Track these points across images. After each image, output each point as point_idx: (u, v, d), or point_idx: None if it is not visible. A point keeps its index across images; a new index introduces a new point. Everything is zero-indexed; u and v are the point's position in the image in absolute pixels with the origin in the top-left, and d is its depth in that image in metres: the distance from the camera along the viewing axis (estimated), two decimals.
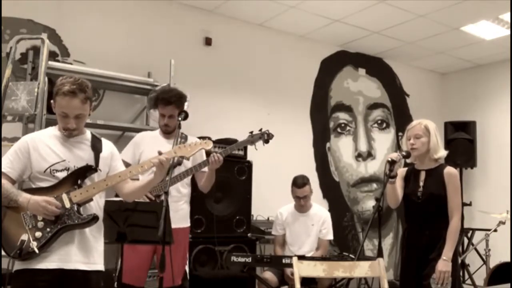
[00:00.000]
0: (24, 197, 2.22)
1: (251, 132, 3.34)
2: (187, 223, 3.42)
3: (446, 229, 2.97)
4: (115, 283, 3.25)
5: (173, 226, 3.20)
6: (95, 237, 2.38)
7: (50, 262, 2.23)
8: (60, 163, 2.32)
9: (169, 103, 3.34)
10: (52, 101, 2.35)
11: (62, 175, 2.31)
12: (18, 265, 2.24)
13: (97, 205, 2.40)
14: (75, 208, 2.28)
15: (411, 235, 3.14)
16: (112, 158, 2.51)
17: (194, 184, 3.53)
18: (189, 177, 3.40)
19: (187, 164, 3.31)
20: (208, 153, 3.33)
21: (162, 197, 3.17)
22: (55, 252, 2.24)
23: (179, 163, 3.28)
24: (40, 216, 2.23)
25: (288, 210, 4.45)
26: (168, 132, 3.40)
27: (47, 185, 2.30)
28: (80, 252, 2.30)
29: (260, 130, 3.34)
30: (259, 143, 3.33)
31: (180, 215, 3.33)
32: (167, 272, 3.09)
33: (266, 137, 3.31)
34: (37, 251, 2.18)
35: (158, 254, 3.10)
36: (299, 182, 4.32)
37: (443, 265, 2.89)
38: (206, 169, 3.31)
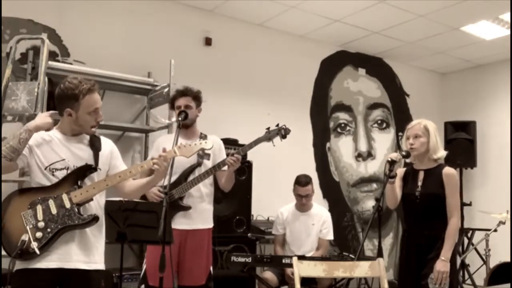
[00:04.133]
0: (24, 129, 2.25)
1: (268, 128, 3.29)
2: (210, 224, 3.38)
3: (445, 229, 2.97)
4: (142, 285, 3.23)
5: (198, 227, 3.23)
6: (96, 236, 2.38)
7: (51, 261, 2.23)
8: (60, 162, 2.33)
9: (184, 94, 3.33)
10: (68, 109, 2.32)
11: (61, 174, 2.32)
12: (18, 265, 2.24)
13: (97, 205, 2.40)
14: (75, 209, 2.28)
15: (410, 235, 3.14)
16: (112, 157, 2.51)
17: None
18: (211, 177, 3.36)
19: (208, 165, 3.29)
20: (227, 153, 3.32)
21: (184, 200, 3.18)
22: (55, 251, 2.24)
23: (199, 164, 3.26)
24: (45, 124, 2.26)
25: (288, 209, 4.46)
26: (185, 125, 3.27)
27: (47, 184, 2.30)
28: (80, 251, 2.30)
29: (277, 125, 3.30)
30: (277, 139, 3.29)
31: (204, 216, 3.30)
32: (189, 272, 3.11)
33: (283, 132, 3.28)
34: (38, 252, 2.18)
35: (181, 254, 3.13)
36: (303, 181, 4.35)
37: (442, 265, 2.89)
38: (226, 167, 3.28)
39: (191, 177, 3.22)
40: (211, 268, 3.36)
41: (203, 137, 3.32)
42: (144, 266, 3.25)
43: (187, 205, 3.19)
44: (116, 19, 4.62)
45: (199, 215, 3.25)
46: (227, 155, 3.25)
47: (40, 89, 3.58)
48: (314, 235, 4.36)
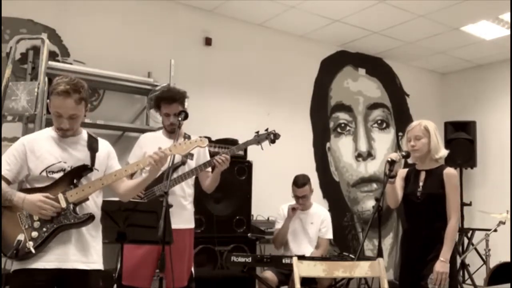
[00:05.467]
0: (19, 197, 2.22)
1: (257, 132, 3.31)
2: (192, 224, 3.39)
3: (445, 229, 2.97)
4: (115, 285, 3.24)
5: (180, 226, 3.20)
6: (93, 236, 2.38)
7: (48, 261, 2.23)
8: (56, 164, 2.32)
9: (174, 100, 3.29)
10: (48, 100, 2.35)
11: (58, 176, 2.31)
12: (16, 265, 2.24)
13: (93, 204, 2.40)
14: (71, 208, 2.28)
15: (410, 235, 3.15)
16: (109, 157, 2.50)
17: (197, 184, 3.52)
18: (193, 177, 3.37)
19: (191, 164, 3.29)
20: (212, 155, 3.32)
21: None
22: (53, 251, 2.24)
23: (183, 163, 3.26)
24: (37, 215, 2.23)
25: (289, 206, 4.46)
26: (174, 131, 3.28)
27: (43, 185, 2.29)
28: (78, 251, 2.30)
29: (266, 130, 3.31)
30: (265, 143, 3.30)
31: (185, 215, 3.31)
32: (173, 273, 3.10)
33: (272, 137, 3.29)
34: (33, 251, 2.18)
35: (159, 254, 3.11)
36: (299, 182, 4.33)
37: (441, 266, 2.89)
38: (209, 169, 3.30)
39: (174, 176, 3.21)
40: (193, 269, 3.36)
41: (187, 137, 3.31)
42: (118, 266, 3.24)
43: (169, 204, 3.17)
44: (116, 19, 4.62)
45: (181, 214, 3.24)
46: (212, 155, 3.24)
47: (40, 89, 3.58)
48: (313, 233, 4.37)
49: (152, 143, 3.30)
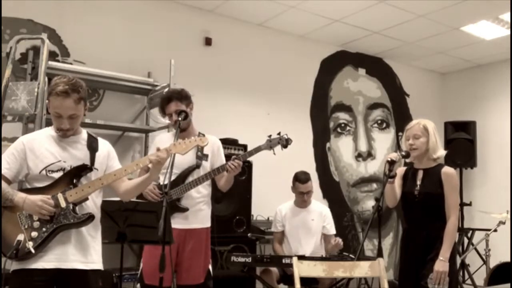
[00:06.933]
0: (20, 197, 2.22)
1: (269, 136, 3.28)
2: (208, 223, 3.36)
3: (444, 228, 2.97)
4: (138, 284, 3.24)
5: (195, 226, 3.22)
6: (92, 236, 2.38)
7: (48, 261, 2.23)
8: (56, 163, 2.32)
9: (169, 100, 3.28)
10: (47, 100, 2.35)
11: (57, 175, 2.31)
12: (15, 265, 2.24)
13: (93, 204, 2.39)
14: (71, 208, 2.27)
15: (409, 235, 3.15)
16: (108, 157, 2.50)
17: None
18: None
19: (206, 165, 3.29)
20: (229, 156, 3.31)
21: (182, 202, 3.18)
22: (52, 251, 2.24)
23: (198, 166, 3.26)
24: (36, 216, 2.23)
25: (287, 206, 4.47)
26: (182, 130, 3.23)
27: (42, 185, 2.29)
28: (77, 251, 2.30)
29: (279, 133, 3.27)
30: (277, 148, 3.26)
31: (201, 215, 3.29)
32: (188, 271, 3.11)
33: (284, 142, 3.26)
34: (33, 251, 2.18)
35: (180, 253, 3.13)
36: (303, 178, 4.33)
37: (440, 265, 2.89)
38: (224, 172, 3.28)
39: (189, 179, 3.21)
40: (210, 267, 3.36)
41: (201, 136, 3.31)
42: (141, 265, 3.25)
43: (184, 207, 3.18)
44: (116, 19, 4.62)
45: (196, 215, 3.24)
46: (228, 157, 3.24)
47: (40, 89, 3.58)
48: (314, 230, 4.36)
49: (166, 143, 3.29)
